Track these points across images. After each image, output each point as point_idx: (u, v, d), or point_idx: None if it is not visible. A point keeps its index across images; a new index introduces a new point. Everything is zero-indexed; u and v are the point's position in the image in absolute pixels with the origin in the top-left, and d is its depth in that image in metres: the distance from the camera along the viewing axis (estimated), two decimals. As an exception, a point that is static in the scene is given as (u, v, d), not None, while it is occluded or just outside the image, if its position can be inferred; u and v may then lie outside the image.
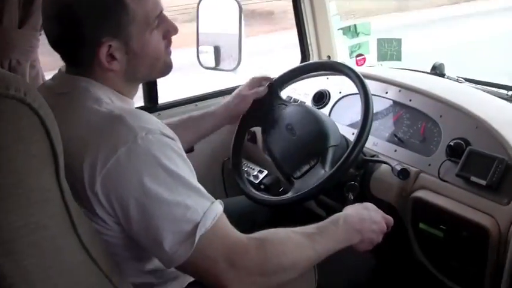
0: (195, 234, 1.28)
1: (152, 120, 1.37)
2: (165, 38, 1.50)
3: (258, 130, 2.57)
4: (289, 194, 1.94)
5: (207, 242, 1.30)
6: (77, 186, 1.27)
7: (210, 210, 1.32)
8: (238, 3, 2.53)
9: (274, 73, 2.21)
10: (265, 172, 2.52)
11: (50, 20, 1.41)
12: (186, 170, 1.35)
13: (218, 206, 1.36)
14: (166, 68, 1.55)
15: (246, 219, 1.45)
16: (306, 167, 1.97)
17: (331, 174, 1.83)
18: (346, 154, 1.82)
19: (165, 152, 1.31)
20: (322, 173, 1.89)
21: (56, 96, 1.42)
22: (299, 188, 1.93)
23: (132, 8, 1.38)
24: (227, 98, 2.13)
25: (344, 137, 2.07)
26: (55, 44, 1.44)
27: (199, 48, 2.61)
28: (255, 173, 2.53)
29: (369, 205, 1.69)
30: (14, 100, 1.00)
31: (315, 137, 2.00)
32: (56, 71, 1.53)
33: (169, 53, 1.54)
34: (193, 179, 1.35)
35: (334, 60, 2.89)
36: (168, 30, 1.50)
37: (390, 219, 1.70)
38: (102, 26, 1.36)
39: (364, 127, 1.81)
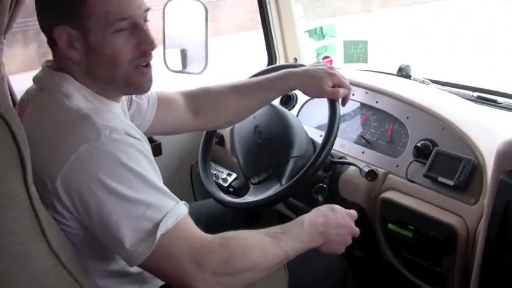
0: (156, 233, 1.27)
1: (119, 120, 1.37)
2: (137, 49, 1.44)
3: (225, 133, 2.57)
4: (242, 199, 1.96)
5: (170, 241, 1.29)
6: (39, 183, 1.26)
7: (173, 210, 1.31)
8: (204, 5, 2.52)
9: (244, 75, 2.19)
10: (234, 175, 2.51)
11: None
12: (151, 171, 1.34)
13: (182, 207, 1.35)
14: (136, 84, 1.49)
15: (214, 222, 1.44)
16: (264, 175, 1.98)
17: (285, 188, 1.85)
18: (301, 172, 1.82)
19: (128, 151, 1.30)
20: (277, 186, 1.90)
21: (37, 91, 1.45)
22: (254, 194, 1.95)
23: (89, 1, 1.36)
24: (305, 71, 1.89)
25: (312, 140, 2.07)
26: None
27: (166, 51, 2.59)
28: (224, 176, 2.52)
29: (336, 207, 1.65)
30: (-21, 105, 0.99)
31: (279, 144, 2.00)
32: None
33: (141, 72, 1.47)
34: (158, 180, 1.35)
35: (301, 62, 2.89)
36: (140, 41, 1.44)
37: (354, 214, 1.68)
38: (57, 10, 1.38)
39: (326, 141, 1.80)
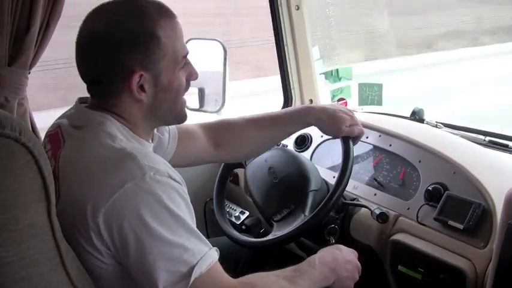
0: (190, 277, 1.30)
1: (162, 162, 1.41)
2: (186, 80, 1.55)
3: (240, 171, 2.60)
4: (269, 237, 1.96)
5: (201, 285, 1.32)
6: (77, 216, 1.31)
7: (207, 256, 1.35)
8: (223, 45, 2.56)
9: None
10: (247, 213, 2.55)
11: (84, 49, 1.46)
12: (188, 215, 1.38)
13: (214, 253, 1.38)
14: (182, 115, 1.60)
15: (227, 260, 1.47)
16: (286, 211, 1.99)
17: (311, 218, 1.86)
18: (326, 198, 1.85)
19: (170, 194, 1.34)
20: (302, 217, 1.92)
21: (73, 128, 1.48)
22: (279, 230, 1.96)
23: (164, 42, 1.44)
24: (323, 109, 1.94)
25: (324, 180, 2.10)
26: (86, 73, 1.48)
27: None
28: (237, 214, 2.55)
29: (340, 246, 1.72)
30: (9, 139, 1.03)
31: (296, 181, 2.04)
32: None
33: (184, 103, 1.58)
34: (193, 224, 1.38)
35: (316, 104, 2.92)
36: (191, 73, 1.55)
37: (355, 252, 1.73)
38: (136, 56, 1.42)
39: (344, 172, 1.84)
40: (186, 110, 1.61)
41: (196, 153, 1.95)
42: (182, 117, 1.61)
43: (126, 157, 1.36)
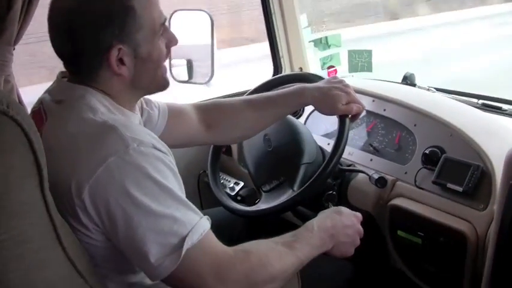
0: (182, 248, 1.27)
1: (145, 133, 1.38)
2: (167, 47, 1.51)
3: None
4: (253, 208, 1.96)
5: (194, 256, 1.30)
6: (63, 194, 1.28)
7: (198, 225, 1.32)
8: (210, 16, 2.53)
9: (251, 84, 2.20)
10: (242, 184, 2.54)
11: (57, 27, 1.41)
12: (176, 184, 1.35)
13: (206, 222, 1.35)
14: (164, 82, 1.55)
15: (222, 231, 1.45)
16: (275, 182, 1.99)
17: (298, 194, 1.85)
18: (313, 178, 1.83)
19: (156, 164, 1.31)
20: (289, 192, 1.91)
21: (54, 103, 1.45)
22: (265, 202, 1.95)
23: (139, 14, 1.40)
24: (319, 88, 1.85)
25: (320, 147, 2.08)
26: (61, 51, 1.44)
27: (172, 61, 2.59)
28: (231, 185, 2.54)
29: (342, 209, 1.67)
30: (-3, 112, 0.99)
31: (289, 152, 2.02)
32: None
33: (165, 70, 1.54)
34: (182, 194, 1.35)
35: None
36: (170, 40, 1.52)
37: (359, 215, 1.68)
38: (113, 30, 1.37)
39: (334, 153, 1.80)
40: (172, 79, 1.57)
41: (187, 132, 1.91)
42: (164, 85, 1.57)
43: (107, 130, 1.32)
